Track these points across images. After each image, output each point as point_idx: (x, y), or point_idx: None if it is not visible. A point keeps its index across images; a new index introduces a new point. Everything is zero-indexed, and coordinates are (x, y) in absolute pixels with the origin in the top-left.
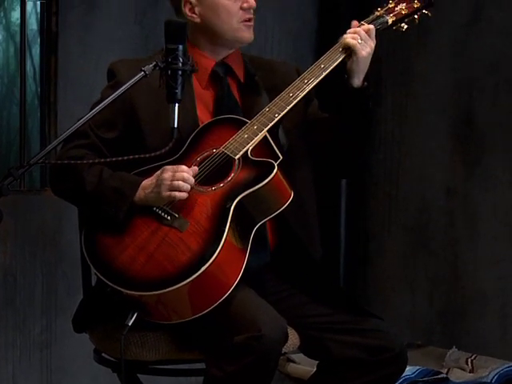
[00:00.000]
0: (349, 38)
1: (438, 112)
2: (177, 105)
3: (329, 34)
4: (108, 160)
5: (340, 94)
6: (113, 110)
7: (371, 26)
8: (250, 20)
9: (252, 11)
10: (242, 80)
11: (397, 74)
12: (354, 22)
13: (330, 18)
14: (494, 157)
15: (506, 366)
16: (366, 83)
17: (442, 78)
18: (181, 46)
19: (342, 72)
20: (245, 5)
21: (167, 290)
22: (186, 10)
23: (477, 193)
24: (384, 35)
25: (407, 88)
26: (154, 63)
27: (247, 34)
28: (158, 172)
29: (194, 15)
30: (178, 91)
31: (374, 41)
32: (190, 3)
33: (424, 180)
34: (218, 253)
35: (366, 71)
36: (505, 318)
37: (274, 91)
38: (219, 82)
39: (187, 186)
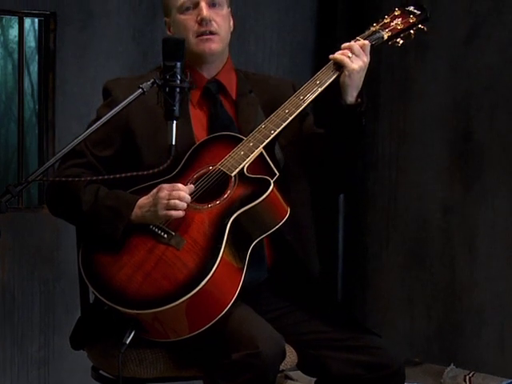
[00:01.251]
0: (338, 53)
1: (435, 129)
2: (175, 122)
3: (326, 49)
4: (105, 177)
5: (333, 110)
6: (109, 128)
7: (366, 42)
8: (208, 33)
9: (213, 23)
10: (233, 97)
11: (395, 91)
12: (344, 45)
13: (327, 33)
14: (492, 174)
15: (504, 383)
16: (359, 100)
17: (440, 96)
18: (179, 63)
19: (336, 88)
20: (198, 18)
21: (164, 307)
22: (167, 30)
23: (474, 210)
24: (382, 52)
25: (405, 105)
26: (152, 80)
27: (203, 47)
28: (155, 190)
29: (170, 34)
30: (176, 108)
31: (368, 57)
32: (167, 23)
33: (422, 197)
34: (215, 270)
35: (359, 87)
36: (503, 335)
37: (270, 107)
38: (212, 99)
39: (183, 205)
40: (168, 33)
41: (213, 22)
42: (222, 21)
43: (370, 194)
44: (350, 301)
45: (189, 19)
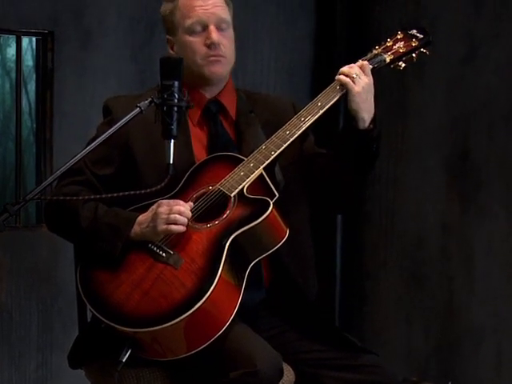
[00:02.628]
0: (341, 75)
1: (433, 148)
2: (172, 141)
3: (324, 68)
4: (103, 196)
5: (345, 134)
6: (108, 146)
7: (365, 62)
8: (216, 55)
9: (221, 47)
10: (233, 117)
11: (392, 110)
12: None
13: (325, 51)
14: (490, 193)
15: None
16: (371, 126)
17: (437, 114)
18: (176, 82)
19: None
20: (207, 41)
21: (161, 326)
22: (169, 48)
23: (472, 229)
24: (380, 70)
25: (403, 124)
26: (150, 99)
27: (212, 68)
28: (154, 206)
29: (173, 53)
30: (174, 127)
31: (370, 77)
32: (170, 41)
33: (419, 216)
34: (212, 290)
35: (371, 111)
36: (500, 355)
37: (270, 126)
38: (212, 119)
39: (184, 220)
40: (170, 51)
41: (221, 46)
42: (228, 43)
43: (367, 213)
44: (348, 320)
45: (197, 42)
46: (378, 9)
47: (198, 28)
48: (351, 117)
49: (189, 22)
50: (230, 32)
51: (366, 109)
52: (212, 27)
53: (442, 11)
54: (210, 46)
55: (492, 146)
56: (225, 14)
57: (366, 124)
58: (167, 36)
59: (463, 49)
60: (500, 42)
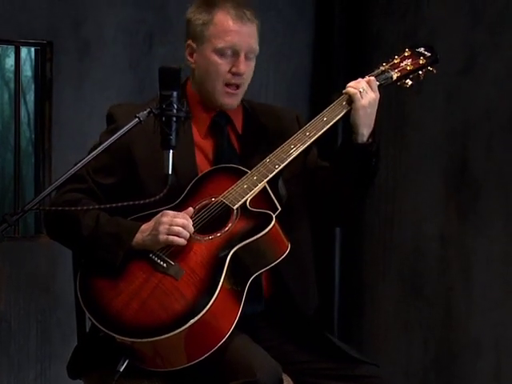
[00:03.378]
0: (349, 89)
1: (432, 159)
2: (171, 151)
3: (323, 80)
4: (101, 207)
5: (344, 148)
6: (111, 156)
7: (372, 78)
8: (236, 87)
9: (244, 77)
10: (239, 130)
11: (391, 121)
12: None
13: (324, 62)
14: (488, 204)
15: None
16: (370, 140)
17: (436, 126)
18: (175, 93)
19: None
20: (234, 69)
21: (160, 337)
22: (187, 52)
23: (471, 240)
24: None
25: (401, 135)
26: (149, 109)
27: (227, 100)
28: (158, 215)
29: (191, 59)
30: (173, 138)
31: (377, 93)
32: (192, 47)
33: (418, 228)
34: (212, 303)
35: (371, 126)
36: (499, 366)
37: (274, 138)
38: (219, 131)
39: (186, 233)
40: (188, 57)
41: (244, 76)
42: (249, 72)
43: (366, 224)
44: (347, 331)
45: (223, 64)
46: (376, 20)
47: (229, 52)
48: (351, 130)
49: (221, 43)
50: (254, 62)
51: (366, 123)
52: (242, 57)
53: (441, 22)
54: (235, 74)
55: (491, 158)
56: (255, 44)
57: (365, 138)
58: (189, 41)
59: (462, 60)
60: (499, 53)
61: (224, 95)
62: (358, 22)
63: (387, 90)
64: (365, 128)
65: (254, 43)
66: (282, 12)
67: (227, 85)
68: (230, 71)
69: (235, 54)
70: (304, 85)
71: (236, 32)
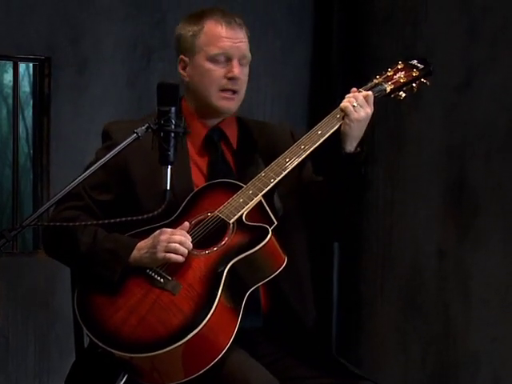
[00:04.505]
0: (344, 101)
1: (430, 175)
2: (169, 167)
3: (321, 96)
4: (100, 222)
5: (332, 158)
6: (107, 172)
7: (370, 93)
8: (233, 92)
9: (239, 82)
10: (234, 146)
11: (389, 137)
12: (353, 89)
13: (322, 79)
14: (486, 220)
15: None
16: (359, 149)
17: (434, 141)
18: (173, 108)
19: (337, 136)
20: (229, 74)
21: (158, 352)
22: (180, 68)
23: (469, 255)
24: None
25: (400, 151)
26: (147, 125)
27: (224, 104)
28: (156, 233)
29: (184, 73)
30: (171, 153)
31: (372, 108)
32: (184, 61)
33: (416, 243)
34: (210, 317)
35: (360, 137)
36: (497, 381)
37: (268, 153)
38: (213, 146)
39: (184, 250)
40: (181, 71)
41: (239, 82)
42: (244, 78)
43: (364, 240)
44: (345, 347)
45: (217, 71)
46: (374, 36)
47: (222, 59)
48: (339, 139)
49: (214, 50)
50: (247, 69)
51: (356, 137)
52: (235, 61)
53: (439, 38)
54: (231, 79)
55: (489, 173)
56: (247, 51)
57: (353, 148)
58: (181, 56)
59: (460, 75)
60: (496, 69)
61: (220, 99)
62: (356, 38)
63: (386, 106)
64: (354, 139)
65: (245, 49)
66: (280, 28)
67: (223, 90)
68: (224, 77)
69: (228, 59)
70: (302, 100)
71: (227, 38)
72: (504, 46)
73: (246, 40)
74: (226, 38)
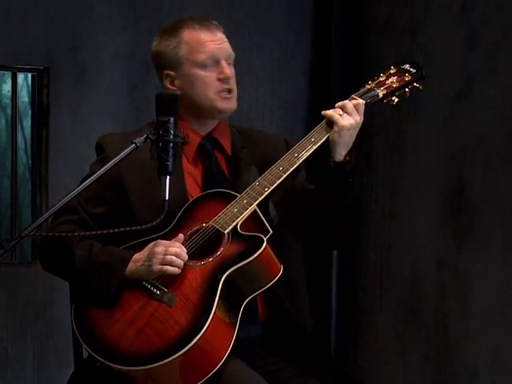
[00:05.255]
0: (331, 109)
1: (428, 184)
2: (168, 177)
3: (320, 104)
4: (98, 233)
5: (321, 167)
6: (102, 185)
7: (360, 101)
8: (228, 91)
9: (232, 81)
10: (229, 153)
11: (388, 145)
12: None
13: (320, 89)
14: (486, 229)
15: None
16: (347, 158)
17: (432, 150)
18: (172, 119)
19: (325, 145)
20: (221, 75)
21: (155, 364)
22: (167, 84)
23: (468, 264)
24: (375, 106)
25: (398, 159)
26: (145, 135)
27: (225, 104)
28: (151, 245)
29: (173, 87)
30: (170, 164)
31: (362, 116)
32: (170, 76)
33: (415, 252)
34: (207, 328)
35: (349, 146)
36: None
37: (263, 162)
38: (207, 155)
39: (180, 262)
40: (169, 86)
41: (231, 80)
42: (234, 78)
43: (362, 249)
44: (344, 356)
45: (209, 75)
46: (373, 46)
47: (210, 62)
48: (329, 148)
49: (202, 56)
50: (233, 68)
51: (345, 144)
52: (224, 62)
53: (438, 47)
54: (224, 80)
55: (487, 182)
56: (231, 49)
57: (341, 157)
58: (166, 71)
59: (458, 84)
60: (495, 78)
61: (220, 101)
62: (355, 47)
63: (384, 115)
64: (343, 148)
65: (229, 48)
66: (279, 37)
67: (219, 92)
68: (217, 79)
69: (216, 62)
70: (301, 109)
71: (211, 41)
72: (502, 55)
73: (227, 39)
74: (209, 42)
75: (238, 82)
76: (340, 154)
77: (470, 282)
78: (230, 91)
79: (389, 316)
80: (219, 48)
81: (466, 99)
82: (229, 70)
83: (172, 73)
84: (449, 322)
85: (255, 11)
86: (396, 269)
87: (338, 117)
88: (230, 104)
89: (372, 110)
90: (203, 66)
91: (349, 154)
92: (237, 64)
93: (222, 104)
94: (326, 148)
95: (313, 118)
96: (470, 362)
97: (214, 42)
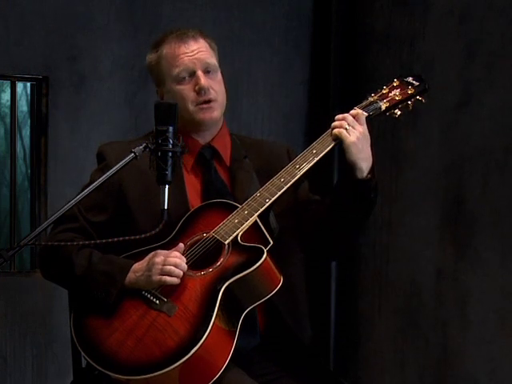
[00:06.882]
0: (335, 128)
1: (427, 193)
2: (167, 186)
3: (319, 115)
4: (98, 242)
5: (342, 185)
6: (102, 193)
7: (359, 111)
8: (207, 102)
9: (210, 91)
10: (228, 163)
11: (386, 155)
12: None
13: (320, 98)
14: (484, 239)
15: None
16: (369, 175)
17: (431, 159)
18: (171, 128)
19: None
20: (196, 87)
21: (154, 374)
22: (159, 97)
23: (466, 275)
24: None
25: (397, 169)
26: (144, 145)
27: (203, 115)
28: (150, 255)
29: None
30: (169, 173)
31: (365, 126)
32: (161, 91)
33: (414, 262)
34: (206, 337)
35: (368, 159)
36: None
37: (264, 172)
38: (206, 165)
39: (179, 272)
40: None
41: (211, 90)
42: (218, 86)
43: (361, 258)
44: (343, 365)
45: (186, 89)
46: (372, 55)
47: (186, 75)
48: (349, 167)
49: (176, 70)
50: (219, 75)
51: (363, 158)
52: (199, 72)
53: (436, 57)
54: (200, 91)
55: (486, 192)
56: (210, 58)
57: (364, 174)
58: (156, 88)
59: (457, 94)
60: (494, 88)
61: (199, 113)
62: (354, 58)
63: (382, 125)
64: (363, 162)
65: (206, 57)
66: (278, 48)
67: (198, 104)
68: (194, 91)
69: (192, 74)
70: (300, 120)
71: (183, 54)
72: (501, 65)
73: (207, 48)
74: (182, 55)
75: (236, 93)
76: (361, 169)
77: (469, 293)
78: (208, 101)
79: (387, 326)
80: (192, 59)
81: (464, 109)
82: (203, 80)
83: (160, 89)
84: (447, 331)
85: (254, 21)
86: (395, 279)
87: (346, 134)
88: (210, 114)
89: (370, 119)
90: (180, 80)
91: (371, 170)
92: (236, 74)
93: (200, 115)
94: (348, 166)
95: (312, 127)
96: (468, 371)
97: (186, 54)
